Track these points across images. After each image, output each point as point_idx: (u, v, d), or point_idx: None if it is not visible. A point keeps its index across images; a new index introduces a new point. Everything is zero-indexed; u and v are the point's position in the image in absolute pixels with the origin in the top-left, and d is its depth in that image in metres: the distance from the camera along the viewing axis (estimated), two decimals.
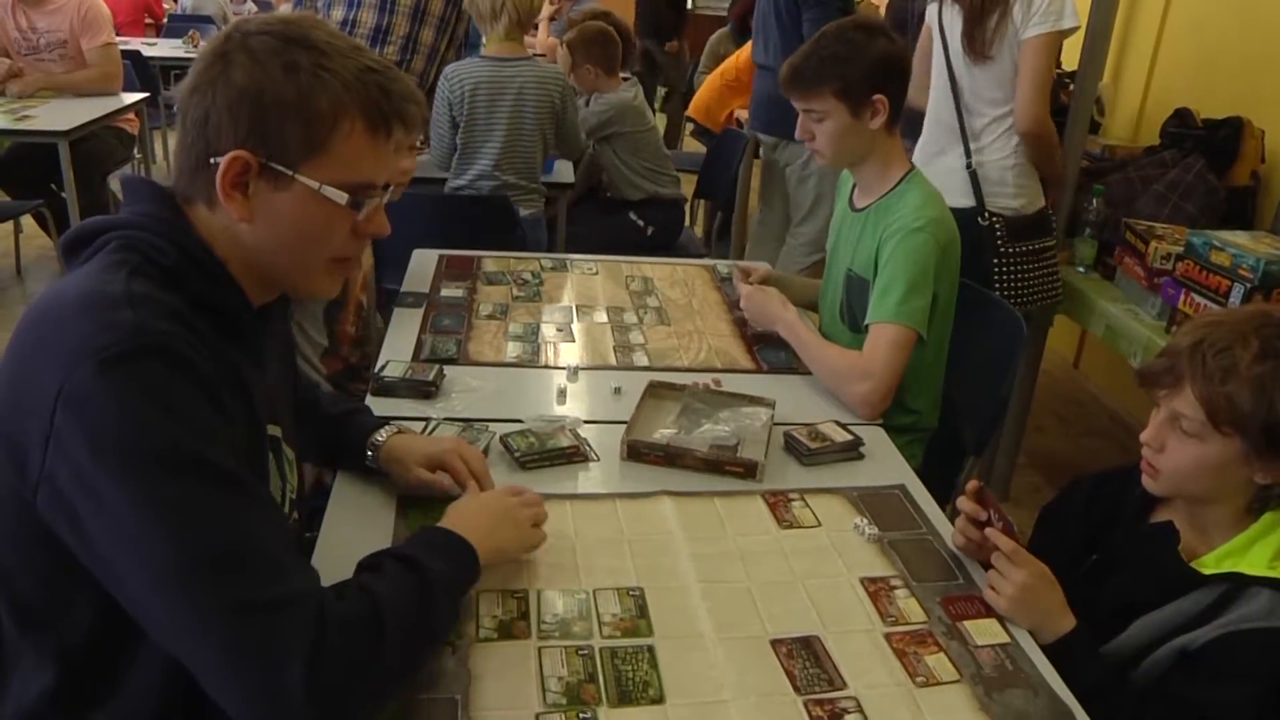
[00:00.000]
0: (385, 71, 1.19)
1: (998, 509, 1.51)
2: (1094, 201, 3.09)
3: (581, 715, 1.20)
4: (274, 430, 1.30)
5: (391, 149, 1.22)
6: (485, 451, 1.72)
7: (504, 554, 1.41)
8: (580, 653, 1.30)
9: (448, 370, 2.01)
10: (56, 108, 4.48)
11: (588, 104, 4.33)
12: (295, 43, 1.14)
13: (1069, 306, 3.05)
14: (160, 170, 6.77)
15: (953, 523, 1.62)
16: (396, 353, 2.11)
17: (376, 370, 1.97)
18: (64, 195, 4.27)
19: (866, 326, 2.10)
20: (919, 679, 1.31)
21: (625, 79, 4.45)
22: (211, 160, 1.13)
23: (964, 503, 1.56)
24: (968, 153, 2.88)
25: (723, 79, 5.97)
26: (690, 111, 6.23)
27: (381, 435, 1.61)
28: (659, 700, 1.24)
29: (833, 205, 4.24)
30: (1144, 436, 1.50)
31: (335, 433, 1.64)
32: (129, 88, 5.10)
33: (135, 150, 5.31)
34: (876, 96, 2.10)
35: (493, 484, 1.58)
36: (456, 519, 1.37)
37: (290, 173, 1.14)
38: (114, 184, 5.05)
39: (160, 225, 1.15)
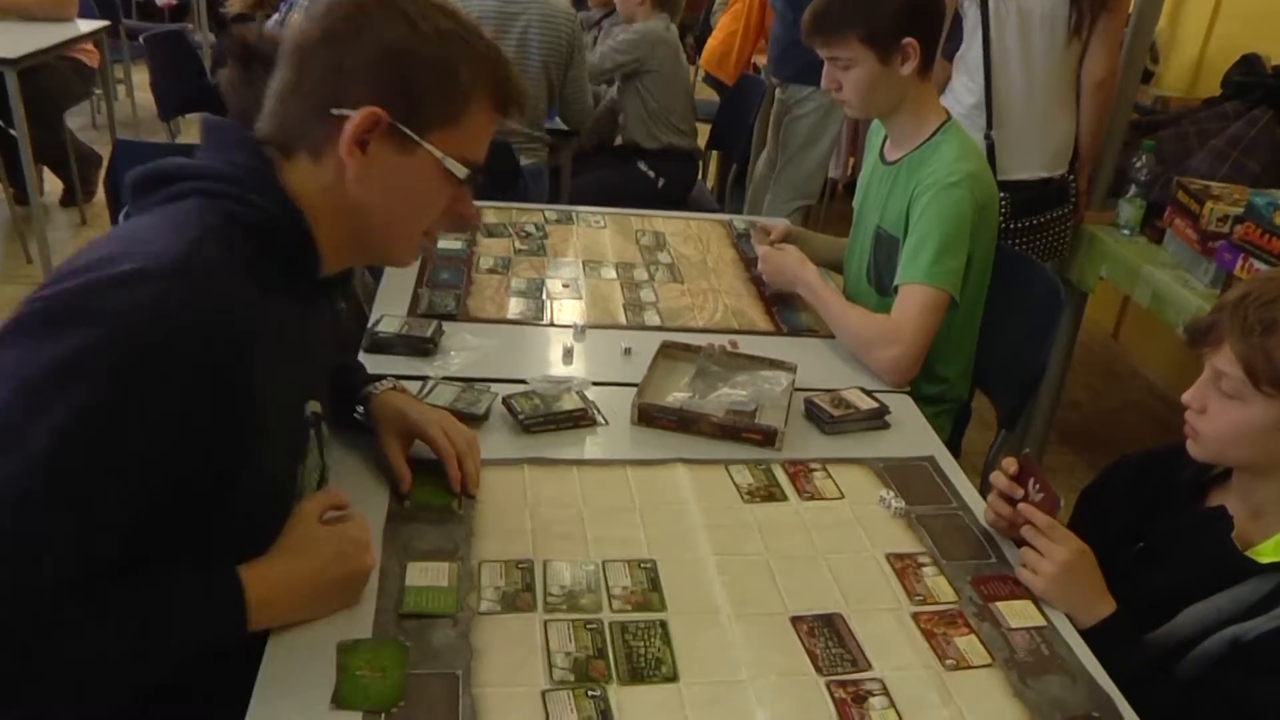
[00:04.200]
0: (503, 53, 1.26)
1: (1042, 479, 1.52)
2: (1143, 158, 3.08)
3: (590, 693, 1.22)
4: (314, 406, 1.35)
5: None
6: (486, 414, 1.74)
7: (317, 614, 1.28)
8: (589, 627, 1.32)
9: (446, 326, 2.03)
10: (2, 32, 4.33)
11: (611, 34, 4.29)
12: (441, 9, 1.21)
13: (1112, 272, 3.05)
14: (123, 108, 6.73)
15: (985, 497, 1.64)
16: (391, 307, 2.12)
17: (370, 325, 1.99)
18: (14, 133, 4.16)
19: (895, 288, 2.12)
20: (948, 661, 1.33)
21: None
22: (335, 112, 1.17)
23: (998, 479, 1.57)
24: (990, 121, 2.92)
25: (734, 23, 5.89)
26: (702, 62, 6.16)
27: (377, 387, 1.62)
28: (672, 678, 1.26)
29: (823, 151, 4.38)
30: (1185, 397, 1.50)
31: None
32: (86, 14, 4.98)
33: (95, 86, 5.24)
34: (906, 41, 2.09)
35: (477, 465, 1.58)
36: (283, 565, 1.25)
37: (418, 138, 1.20)
38: (71, 122, 5.02)
39: (254, 179, 1.18)
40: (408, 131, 1.19)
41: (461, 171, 1.24)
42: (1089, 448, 3.85)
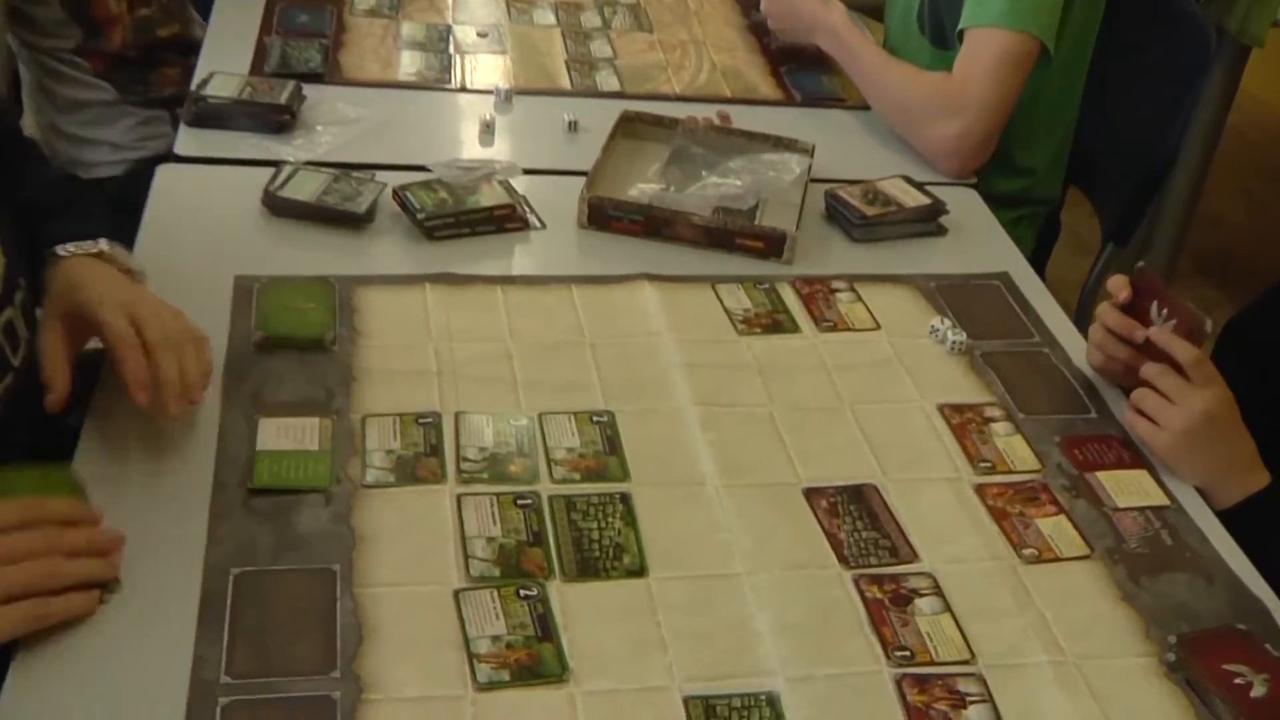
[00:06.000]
0: None
1: (1170, 301, 1.48)
2: None
3: (523, 592, 1.23)
4: None
5: None
6: (370, 212, 1.73)
7: None
8: (520, 504, 1.34)
9: (309, 91, 2.01)
10: None
11: None
12: None
13: None
14: None
15: (1082, 332, 1.66)
16: (225, 61, 2.10)
17: (195, 86, 1.96)
18: None
19: (959, 34, 2.09)
20: (1027, 551, 1.35)
21: None
22: None
23: (1106, 311, 1.55)
24: None
25: None
26: None
27: (66, 250, 1.44)
28: (638, 572, 1.28)
29: None
30: None
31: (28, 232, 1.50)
32: None
33: None
34: None
35: (204, 366, 1.38)
36: None
37: None
38: None
39: None
40: None
41: None
42: (1238, 280, 3.87)
